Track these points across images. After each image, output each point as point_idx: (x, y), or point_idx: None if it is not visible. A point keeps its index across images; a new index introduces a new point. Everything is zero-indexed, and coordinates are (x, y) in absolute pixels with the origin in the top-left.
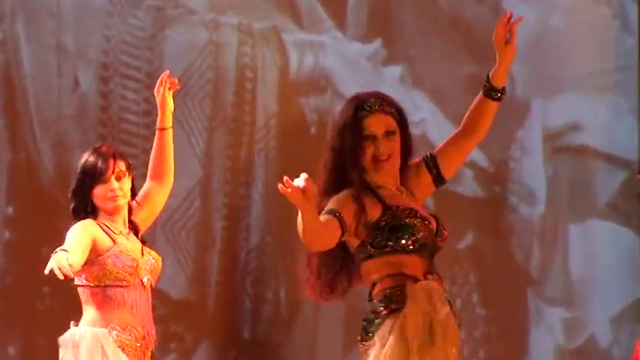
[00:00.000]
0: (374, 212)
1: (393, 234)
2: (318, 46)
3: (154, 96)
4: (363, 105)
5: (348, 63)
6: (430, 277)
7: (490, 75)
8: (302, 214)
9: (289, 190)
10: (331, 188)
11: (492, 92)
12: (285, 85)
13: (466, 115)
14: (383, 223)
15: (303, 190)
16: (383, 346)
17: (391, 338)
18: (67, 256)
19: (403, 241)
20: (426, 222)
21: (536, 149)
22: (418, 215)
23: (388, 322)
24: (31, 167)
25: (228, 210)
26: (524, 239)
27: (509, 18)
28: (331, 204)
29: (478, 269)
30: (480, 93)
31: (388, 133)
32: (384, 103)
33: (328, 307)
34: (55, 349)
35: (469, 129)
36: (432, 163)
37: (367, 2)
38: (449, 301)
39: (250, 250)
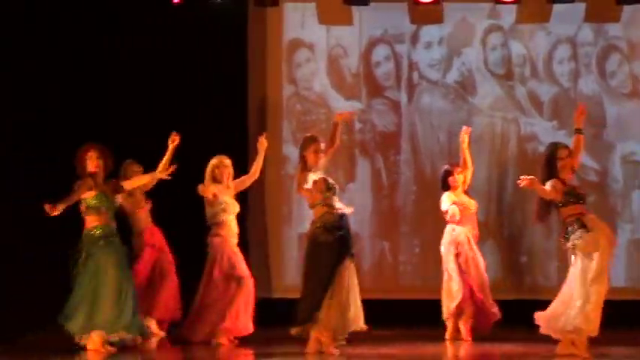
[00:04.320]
0: (566, 189)
1: (573, 198)
2: None
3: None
4: (557, 145)
5: None
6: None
7: (575, 126)
8: (538, 188)
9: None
10: (546, 179)
11: (578, 131)
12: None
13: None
14: (571, 192)
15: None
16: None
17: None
18: None
19: (578, 200)
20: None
21: None
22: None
23: (575, 234)
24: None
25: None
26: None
27: (581, 108)
28: (549, 183)
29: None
30: (575, 134)
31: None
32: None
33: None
34: None
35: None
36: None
37: None
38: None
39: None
